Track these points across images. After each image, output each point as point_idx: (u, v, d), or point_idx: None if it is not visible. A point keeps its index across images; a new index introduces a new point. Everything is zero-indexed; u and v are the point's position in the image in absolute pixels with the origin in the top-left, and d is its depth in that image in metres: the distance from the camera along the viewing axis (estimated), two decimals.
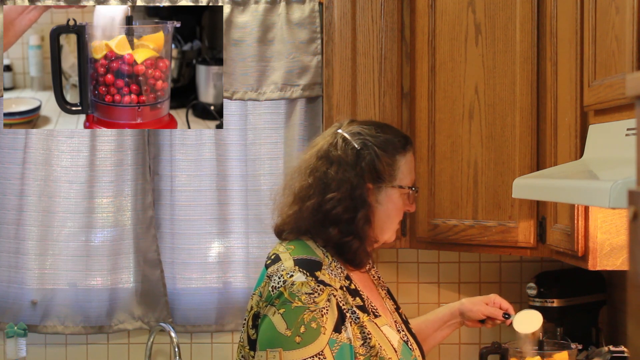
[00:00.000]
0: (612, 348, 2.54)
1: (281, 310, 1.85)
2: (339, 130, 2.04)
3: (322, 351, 1.83)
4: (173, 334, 3.05)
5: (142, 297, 3.16)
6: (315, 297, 1.86)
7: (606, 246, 2.12)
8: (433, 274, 3.16)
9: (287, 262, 1.92)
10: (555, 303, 2.78)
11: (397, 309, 2.17)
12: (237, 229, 3.16)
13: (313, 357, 1.82)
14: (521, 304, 3.10)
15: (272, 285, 1.89)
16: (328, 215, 1.96)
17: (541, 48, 2.50)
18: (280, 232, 2.05)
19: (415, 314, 3.13)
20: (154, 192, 3.14)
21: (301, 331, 1.83)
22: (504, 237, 2.58)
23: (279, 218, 2.04)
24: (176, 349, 3.03)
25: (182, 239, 3.15)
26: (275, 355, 1.82)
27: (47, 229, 3.13)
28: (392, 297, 2.20)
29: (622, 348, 2.53)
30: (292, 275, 1.88)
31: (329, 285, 1.90)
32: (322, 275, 1.91)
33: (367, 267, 2.12)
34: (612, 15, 1.88)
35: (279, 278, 1.89)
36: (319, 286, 1.88)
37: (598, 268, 2.13)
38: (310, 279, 1.88)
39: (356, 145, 2.00)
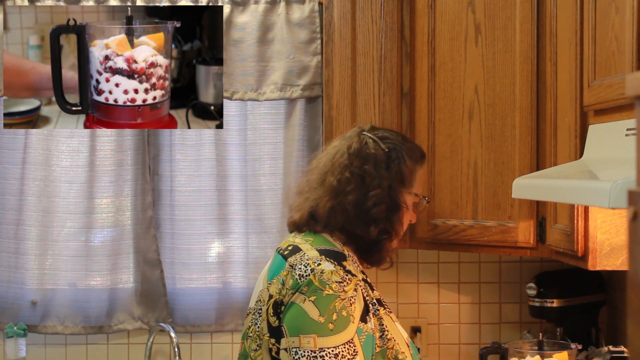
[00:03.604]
0: (611, 348, 2.54)
1: (312, 298, 1.87)
2: (365, 132, 2.09)
3: (352, 339, 1.87)
4: (173, 334, 3.05)
5: (142, 297, 3.16)
6: (344, 285, 1.89)
7: (606, 246, 2.12)
8: (433, 274, 3.16)
9: (311, 252, 1.94)
10: (555, 303, 2.78)
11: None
12: (237, 229, 3.16)
13: (345, 344, 1.86)
14: (521, 304, 3.10)
15: (299, 274, 1.90)
16: (369, 213, 2.00)
17: (541, 48, 2.50)
18: (301, 226, 2.06)
19: (415, 314, 3.14)
20: (153, 192, 3.14)
21: (334, 318, 1.86)
22: (504, 237, 2.58)
23: (306, 212, 2.05)
24: (176, 349, 3.03)
25: (182, 239, 3.15)
26: (310, 340, 1.85)
27: (46, 229, 3.13)
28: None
29: (622, 348, 2.53)
30: (319, 264, 1.90)
31: (355, 276, 1.94)
32: (348, 265, 1.95)
33: (386, 267, 2.16)
34: (612, 15, 1.88)
35: (305, 267, 1.91)
36: (347, 275, 1.91)
37: (598, 268, 2.13)
38: (339, 268, 1.91)
39: (386, 148, 2.05)
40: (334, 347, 1.85)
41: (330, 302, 1.86)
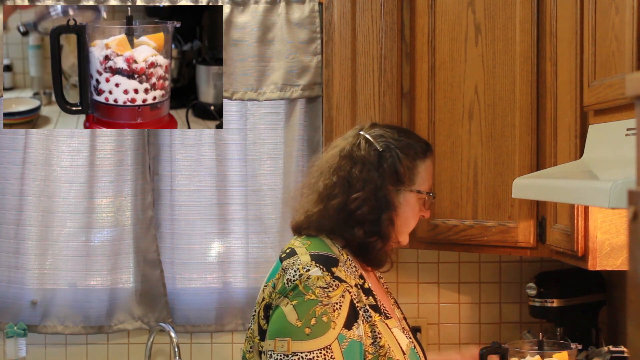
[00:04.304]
0: (611, 348, 2.54)
1: (294, 302, 1.86)
2: (361, 132, 2.07)
3: (329, 345, 1.83)
4: (173, 334, 3.05)
5: (142, 297, 3.16)
6: (329, 291, 1.87)
7: (606, 246, 2.12)
8: (433, 274, 3.16)
9: (304, 257, 1.93)
10: (555, 303, 2.78)
11: (405, 319, 2.19)
12: (237, 229, 3.16)
13: (321, 350, 1.83)
14: (521, 304, 3.10)
15: (287, 278, 1.89)
16: (353, 215, 1.98)
17: (541, 48, 2.50)
18: (300, 229, 2.05)
19: (415, 314, 3.14)
20: (153, 192, 3.14)
21: (311, 323, 1.84)
22: (504, 237, 2.58)
23: (302, 215, 2.04)
24: (176, 349, 3.03)
25: (182, 239, 3.15)
26: (284, 344, 1.83)
27: (46, 229, 3.13)
28: (399, 309, 2.21)
29: (622, 348, 2.53)
30: (308, 269, 1.89)
31: (344, 282, 1.91)
32: (338, 271, 1.92)
33: (387, 269, 2.12)
34: (612, 15, 1.88)
35: (295, 271, 1.90)
36: (334, 281, 1.89)
37: (598, 268, 2.13)
38: (327, 273, 1.90)
39: (379, 147, 2.02)
40: (307, 352, 1.82)
41: (310, 307, 1.85)
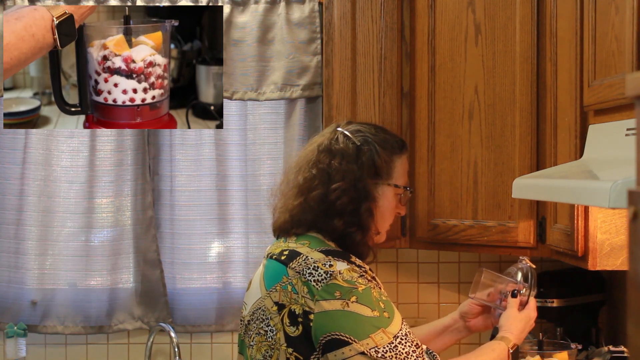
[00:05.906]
0: (611, 348, 2.54)
1: (352, 299, 1.87)
2: (339, 128, 2.08)
3: (402, 318, 1.94)
4: (173, 334, 3.05)
5: (142, 297, 3.16)
6: (366, 277, 1.92)
7: (606, 246, 2.13)
8: (433, 274, 3.16)
9: (314, 254, 1.93)
10: (555, 303, 2.78)
11: None
12: (237, 229, 3.16)
13: (402, 324, 1.91)
14: None
15: (315, 279, 1.88)
16: (333, 206, 1.99)
17: (541, 48, 2.50)
18: (287, 230, 2.04)
19: (415, 314, 3.14)
20: (153, 192, 3.14)
21: (382, 307, 1.90)
22: (504, 237, 2.58)
23: (286, 214, 2.04)
24: (176, 349, 3.04)
25: (182, 239, 3.15)
26: (382, 335, 1.86)
27: (46, 229, 3.13)
28: None
29: (622, 348, 2.53)
30: (331, 265, 1.90)
31: (364, 267, 1.97)
32: (356, 260, 1.96)
33: (369, 261, 2.13)
34: (612, 15, 1.89)
35: (316, 270, 1.89)
36: (360, 269, 1.93)
37: (598, 268, 2.14)
38: (351, 264, 1.93)
39: (357, 142, 2.04)
40: (401, 327, 1.89)
41: (369, 296, 1.88)
